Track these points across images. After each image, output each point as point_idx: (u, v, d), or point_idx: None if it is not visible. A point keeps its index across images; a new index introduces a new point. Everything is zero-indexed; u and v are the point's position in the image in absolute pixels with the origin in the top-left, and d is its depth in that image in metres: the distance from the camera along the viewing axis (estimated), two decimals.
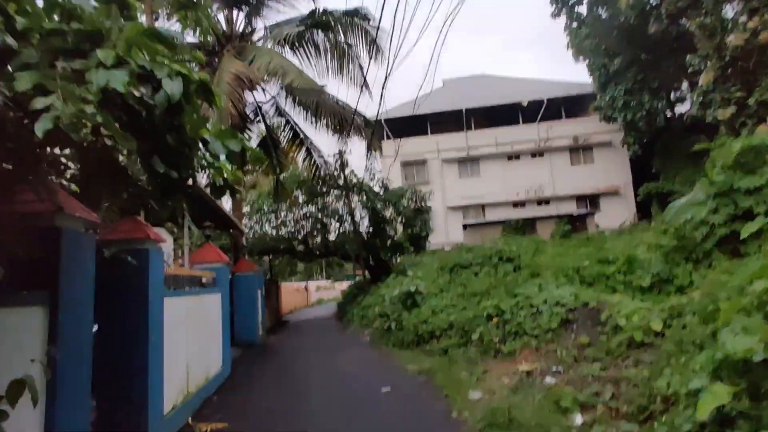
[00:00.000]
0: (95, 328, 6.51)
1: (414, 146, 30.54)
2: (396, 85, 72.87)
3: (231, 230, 14.21)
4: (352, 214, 21.55)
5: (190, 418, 6.45)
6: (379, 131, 34.14)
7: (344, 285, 52.56)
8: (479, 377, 6.99)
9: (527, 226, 24.60)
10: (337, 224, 24.73)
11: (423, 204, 23.33)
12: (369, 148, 19.84)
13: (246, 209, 24.10)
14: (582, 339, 7.11)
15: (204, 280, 8.05)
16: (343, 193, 23.00)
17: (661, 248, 8.55)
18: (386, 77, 12.84)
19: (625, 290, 9.10)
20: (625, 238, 14.16)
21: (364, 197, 22.62)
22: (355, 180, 22.81)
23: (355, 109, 17.33)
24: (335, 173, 22.29)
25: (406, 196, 22.53)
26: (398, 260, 26.39)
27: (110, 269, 4.96)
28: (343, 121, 16.82)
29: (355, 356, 10.69)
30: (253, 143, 18.94)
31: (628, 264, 9.55)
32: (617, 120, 25.70)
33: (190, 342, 7.04)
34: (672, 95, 27.00)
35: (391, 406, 6.35)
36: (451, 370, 7.45)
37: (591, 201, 29.90)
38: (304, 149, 18.77)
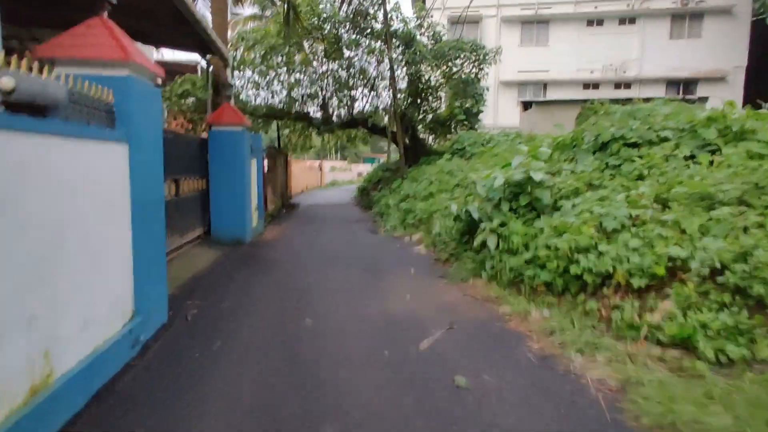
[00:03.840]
0: None
1: None
2: None
3: (204, 51, 8.09)
4: (392, 70, 15.06)
5: None
6: None
7: (361, 167, 47.04)
8: None
9: None
10: (366, 89, 18.38)
11: (484, 67, 16.66)
12: None
13: (253, 56, 17.56)
14: None
15: (17, 87, 2.32)
16: (379, 43, 16.31)
17: None
18: None
19: None
20: None
21: (403, 49, 15.94)
22: (399, 22, 15.95)
23: None
24: (371, 8, 15.43)
25: (466, 52, 15.78)
26: (435, 142, 20.48)
27: None
28: None
29: (417, 295, 5.34)
30: None
31: None
32: None
33: None
34: None
35: None
36: None
37: (685, 87, 22.86)
38: None
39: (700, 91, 22.40)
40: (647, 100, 19.03)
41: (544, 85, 24.06)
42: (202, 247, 7.58)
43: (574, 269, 4.44)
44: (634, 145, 5.96)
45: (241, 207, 8.33)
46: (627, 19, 23.05)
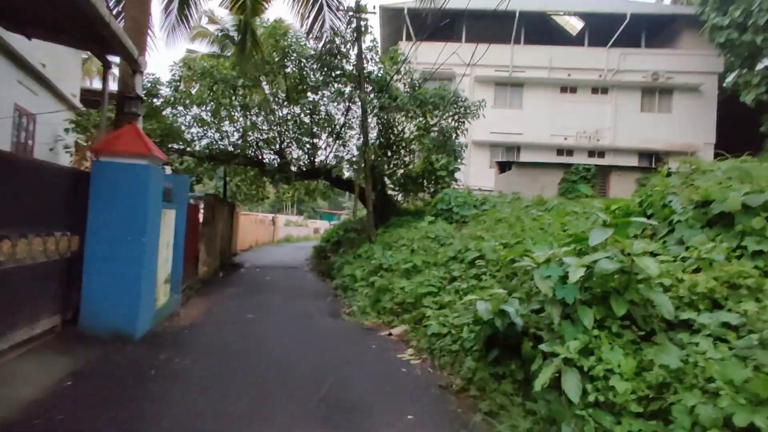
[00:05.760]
0: None
1: (441, 53, 21.40)
2: None
3: (101, 47, 5.32)
4: (364, 111, 12.81)
5: None
6: (396, 23, 24.80)
7: (319, 223, 44.06)
8: None
9: (600, 174, 16.54)
10: (330, 138, 16.06)
11: (465, 121, 14.83)
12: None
13: (199, 89, 14.84)
14: None
15: None
16: (349, 88, 14.21)
17: None
18: None
19: None
20: None
21: (377, 94, 13.85)
22: (373, 64, 13.99)
23: None
24: (343, 45, 13.39)
25: (448, 100, 13.87)
26: (405, 200, 18.19)
27: None
28: None
29: None
30: None
31: None
32: (730, 49, 17.63)
33: None
34: None
35: None
36: None
37: (657, 159, 22.16)
38: None
39: (672, 164, 21.69)
40: (623, 168, 17.80)
41: (518, 148, 22.72)
42: (46, 353, 4.39)
43: None
44: None
45: (133, 279, 5.25)
46: (600, 89, 22.49)
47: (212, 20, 22.60)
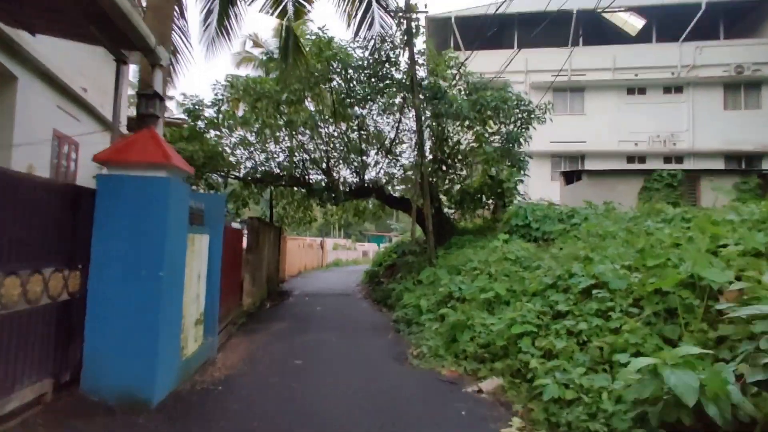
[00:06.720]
0: None
1: (492, 62, 19.92)
2: None
3: (115, 41, 4.24)
4: (419, 120, 11.48)
5: None
6: (443, 34, 23.64)
7: (367, 246, 42.90)
8: None
9: (687, 180, 14.26)
10: (380, 155, 14.90)
11: (529, 126, 13.24)
12: None
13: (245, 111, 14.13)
14: None
15: None
16: (399, 98, 13.05)
17: None
18: None
19: None
20: None
21: (433, 102, 12.47)
22: (423, 70, 12.73)
23: None
24: (392, 51, 12.22)
25: (510, 104, 12.33)
26: (462, 218, 16.54)
27: None
28: None
29: None
30: None
31: None
32: None
33: None
34: None
35: None
36: None
37: (748, 161, 19.38)
38: None
39: (765, 166, 18.92)
40: (715, 172, 15.37)
41: (582, 157, 20.60)
42: None
43: None
44: None
45: (149, 325, 4.00)
46: (673, 88, 20.12)
47: (257, 44, 22.35)
